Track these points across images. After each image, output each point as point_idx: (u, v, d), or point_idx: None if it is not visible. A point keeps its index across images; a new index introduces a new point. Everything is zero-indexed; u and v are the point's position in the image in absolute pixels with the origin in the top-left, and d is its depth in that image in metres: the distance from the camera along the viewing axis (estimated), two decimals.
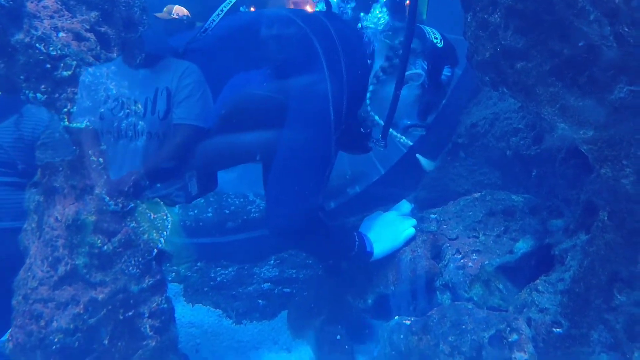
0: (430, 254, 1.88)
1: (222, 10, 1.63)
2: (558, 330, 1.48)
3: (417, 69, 1.78)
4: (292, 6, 2.06)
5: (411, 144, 1.95)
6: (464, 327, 1.53)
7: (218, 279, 2.27)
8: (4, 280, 1.42)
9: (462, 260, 1.82)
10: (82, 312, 0.97)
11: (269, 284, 2.29)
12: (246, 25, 1.69)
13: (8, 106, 1.65)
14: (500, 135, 2.07)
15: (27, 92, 0.92)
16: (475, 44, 1.46)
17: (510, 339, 1.46)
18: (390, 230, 1.89)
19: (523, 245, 1.78)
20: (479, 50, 1.45)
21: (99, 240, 1.01)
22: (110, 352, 0.99)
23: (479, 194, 2.06)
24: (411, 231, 1.87)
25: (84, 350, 0.96)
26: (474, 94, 2.24)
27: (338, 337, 1.94)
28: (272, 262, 2.38)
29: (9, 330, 1.01)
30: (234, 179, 2.53)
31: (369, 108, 1.78)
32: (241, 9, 1.90)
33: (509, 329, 1.47)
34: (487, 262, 1.75)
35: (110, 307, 0.99)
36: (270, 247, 2.43)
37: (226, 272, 2.31)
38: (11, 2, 0.85)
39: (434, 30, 1.85)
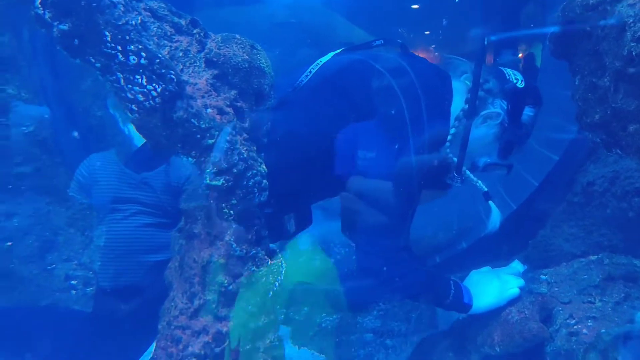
0: (539, 317, 1.80)
1: (310, 72, 1.80)
2: None
3: (496, 108, 1.80)
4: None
5: (485, 189, 1.91)
6: None
7: (323, 324, 2.37)
8: (152, 305, 1.68)
9: (576, 327, 1.72)
10: (210, 341, 1.13)
11: (371, 334, 2.33)
12: (334, 79, 1.79)
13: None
14: (621, 194, 1.96)
15: (182, 156, 1.15)
16: (584, 106, 1.46)
17: None
18: (493, 286, 1.86)
19: None
20: (588, 113, 1.45)
21: (226, 280, 1.18)
22: None
23: (596, 256, 1.95)
24: (515, 291, 1.81)
25: None
26: (591, 152, 2.16)
27: None
28: (375, 312, 2.43)
29: (152, 348, 1.22)
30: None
31: (448, 150, 1.81)
32: None
33: None
34: (604, 330, 1.64)
35: (231, 339, 1.14)
36: (373, 297, 2.47)
37: (331, 319, 2.41)
38: (176, 88, 1.10)
39: (516, 72, 1.86)
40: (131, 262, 1.82)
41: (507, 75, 1.84)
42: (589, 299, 1.79)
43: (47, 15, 0.99)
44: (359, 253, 1.73)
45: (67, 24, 1.01)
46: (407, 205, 1.72)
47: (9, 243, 2.12)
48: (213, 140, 1.14)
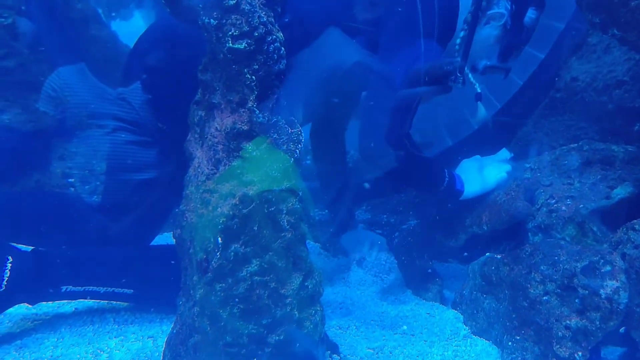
0: (524, 198, 1.95)
1: None
2: None
3: (501, 8, 1.84)
4: None
5: (479, 90, 2.00)
6: (556, 258, 1.60)
7: (317, 217, 2.50)
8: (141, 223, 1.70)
9: (555, 205, 1.88)
10: (238, 203, 1.20)
11: (362, 224, 2.48)
12: None
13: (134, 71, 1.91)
14: (602, 88, 2.07)
15: (203, 18, 1.15)
16: None
17: (603, 270, 1.52)
18: (483, 173, 1.99)
19: (621, 191, 1.81)
20: None
21: (250, 147, 1.23)
22: (258, 237, 1.21)
23: (576, 144, 2.08)
24: (503, 175, 1.95)
25: (240, 233, 1.19)
26: (576, 48, 2.23)
27: (429, 270, 2.09)
28: (365, 207, 2.56)
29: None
30: None
31: (457, 48, 1.85)
32: None
33: (602, 260, 1.52)
34: (582, 205, 1.79)
35: (258, 201, 1.21)
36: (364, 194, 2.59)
37: (323, 212, 2.53)
38: None
39: None
40: (115, 180, 1.81)
41: None
42: (569, 181, 1.95)
43: None
44: (362, 134, 1.80)
45: None
46: (412, 97, 1.77)
47: None
48: (234, 1, 1.14)
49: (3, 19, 2.11)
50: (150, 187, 1.80)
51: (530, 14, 1.92)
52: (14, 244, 1.63)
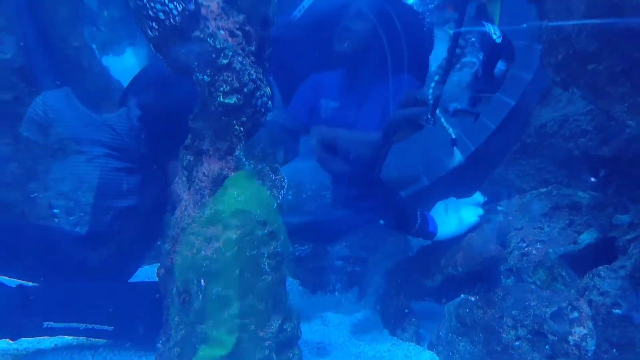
0: (497, 241, 2.04)
1: (303, 7, 1.88)
2: (617, 311, 1.60)
3: (473, 57, 1.96)
4: None
5: (454, 136, 2.09)
6: (527, 303, 1.68)
7: (297, 253, 2.56)
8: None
9: (526, 248, 1.97)
10: (221, 246, 1.26)
11: (340, 261, 2.54)
12: (322, 18, 1.87)
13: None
14: (569, 136, 2.20)
15: (198, 74, 1.23)
16: (549, 47, 1.64)
17: (571, 316, 1.60)
18: (456, 216, 2.07)
19: (587, 237, 1.91)
20: (552, 53, 1.63)
21: (235, 192, 1.30)
22: (240, 280, 1.27)
23: (546, 189, 2.19)
24: (475, 219, 2.04)
25: (223, 275, 1.25)
26: (542, 97, 2.37)
27: (406, 310, 2.15)
28: (344, 242, 2.63)
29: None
30: (311, 167, 2.81)
31: (430, 92, 1.94)
32: None
33: (570, 307, 1.60)
34: (551, 250, 1.89)
35: (240, 245, 1.28)
36: (343, 229, 2.65)
37: (303, 248, 2.59)
38: (193, 7, 1.16)
39: (497, 29, 2.02)
40: (98, 206, 1.84)
41: (487, 28, 1.97)
42: (539, 225, 2.05)
43: None
44: (333, 183, 1.88)
45: None
46: (382, 141, 1.87)
47: None
48: (227, 61, 1.23)
49: (2, 54, 2.17)
50: (132, 214, 1.83)
51: (501, 65, 2.04)
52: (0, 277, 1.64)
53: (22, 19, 2.23)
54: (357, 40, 1.84)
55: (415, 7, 1.96)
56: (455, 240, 2.07)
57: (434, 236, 2.01)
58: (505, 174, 2.43)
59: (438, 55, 1.96)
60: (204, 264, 1.24)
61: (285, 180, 1.36)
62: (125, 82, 2.63)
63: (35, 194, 2.18)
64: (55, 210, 2.24)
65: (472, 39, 1.97)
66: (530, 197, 2.18)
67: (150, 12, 1.14)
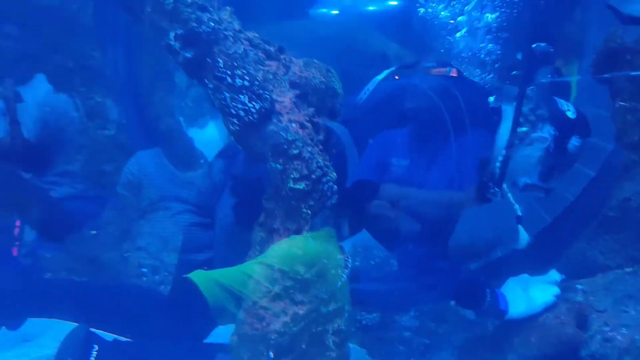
0: (575, 323, 1.92)
1: (368, 89, 2.00)
2: None
3: (544, 133, 1.94)
4: None
5: (520, 214, 2.03)
6: None
7: (364, 321, 2.56)
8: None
9: (610, 333, 1.83)
10: (289, 321, 1.35)
11: (409, 333, 2.51)
12: (391, 97, 1.96)
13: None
14: None
15: (271, 163, 1.38)
16: (623, 128, 1.61)
17: None
18: (530, 294, 2.00)
19: None
20: (627, 133, 1.60)
21: (302, 270, 1.40)
22: (306, 354, 1.34)
23: (631, 268, 2.05)
24: (551, 299, 1.95)
25: (290, 349, 1.33)
26: (625, 169, 2.27)
27: None
28: (413, 313, 2.60)
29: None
30: None
31: (497, 165, 1.94)
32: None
33: None
34: (638, 336, 1.76)
35: (307, 321, 1.35)
36: (411, 300, 2.64)
37: (370, 316, 2.59)
38: (270, 106, 1.33)
39: (569, 104, 1.99)
40: (179, 260, 2.00)
41: (559, 103, 1.97)
42: (624, 308, 1.91)
43: (177, 46, 1.23)
44: (398, 260, 1.91)
45: (191, 53, 1.25)
46: (448, 218, 1.89)
47: (94, 232, 2.39)
48: (297, 151, 1.36)
49: (108, 131, 2.52)
50: (208, 267, 1.96)
51: (575, 141, 2.01)
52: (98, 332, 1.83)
53: (125, 100, 2.59)
54: (422, 118, 1.92)
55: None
56: (530, 319, 1.99)
57: (505, 315, 1.95)
58: (586, 250, 2.31)
59: (506, 130, 1.98)
60: (273, 338, 1.33)
61: (350, 261, 1.44)
62: (207, 151, 2.92)
63: (128, 254, 2.43)
64: (144, 269, 2.47)
65: (543, 113, 1.97)
66: (613, 276, 2.04)
67: (232, 110, 1.32)
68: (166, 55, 1.26)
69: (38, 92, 2.29)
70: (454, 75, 2.10)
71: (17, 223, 2.26)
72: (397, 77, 2.12)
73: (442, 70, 2.13)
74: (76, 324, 1.83)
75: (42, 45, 2.41)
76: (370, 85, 2.00)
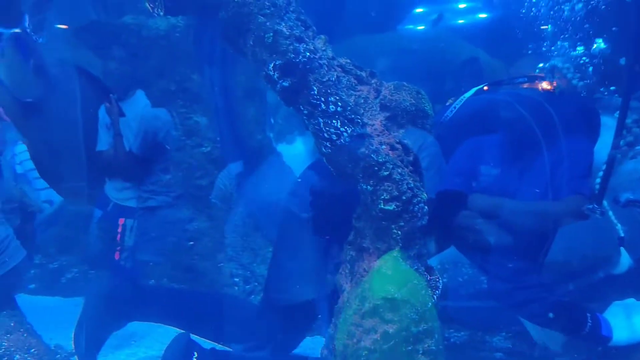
0: None
1: (455, 107, 1.96)
2: None
3: None
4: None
5: (622, 234, 1.89)
6: None
7: (452, 339, 2.51)
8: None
9: None
10: (379, 339, 1.37)
11: (501, 354, 2.42)
12: (478, 112, 1.93)
13: None
14: None
15: (362, 184, 1.41)
16: None
17: None
18: (635, 321, 1.85)
19: None
20: None
21: (393, 289, 1.41)
22: None
23: None
24: None
25: None
26: None
27: None
28: (505, 333, 2.50)
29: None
30: None
31: (597, 181, 1.82)
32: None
33: None
34: None
35: (397, 339, 1.37)
36: (502, 319, 2.54)
37: (459, 334, 2.53)
38: (361, 130, 1.37)
39: None
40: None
41: None
42: None
43: (276, 75, 1.32)
44: (489, 276, 1.85)
45: (288, 82, 1.33)
46: (544, 232, 1.80)
47: (191, 242, 2.59)
48: (388, 172, 1.39)
49: (204, 148, 2.72)
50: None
51: None
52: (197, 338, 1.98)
53: (220, 119, 2.77)
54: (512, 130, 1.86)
55: None
56: (634, 348, 1.85)
57: (608, 341, 1.82)
58: None
59: (606, 143, 1.86)
60: (363, 354, 1.36)
61: (441, 281, 1.44)
62: (295, 166, 3.03)
63: (222, 264, 2.60)
64: (236, 279, 2.63)
65: None
66: None
67: (325, 134, 1.38)
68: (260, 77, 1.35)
69: (137, 106, 2.53)
70: (547, 88, 2.02)
71: (120, 228, 2.50)
72: (485, 88, 2.07)
73: (534, 84, 2.06)
74: (179, 330, 1.98)
75: (149, 70, 2.67)
76: (458, 103, 1.98)
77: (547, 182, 1.77)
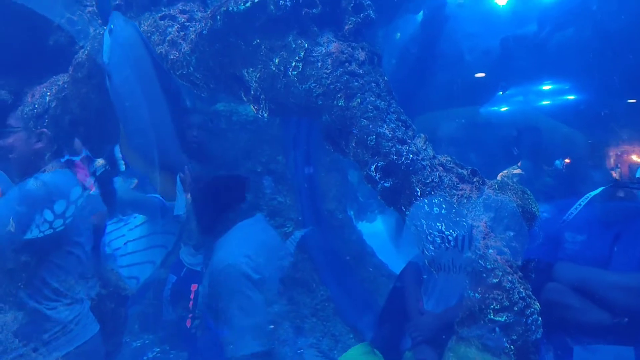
0: None
1: (579, 205, 1.81)
2: None
3: None
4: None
5: None
6: None
7: None
8: None
9: None
10: None
11: None
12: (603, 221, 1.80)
13: None
14: None
15: (469, 291, 1.31)
16: None
17: None
18: None
19: None
20: None
21: None
22: None
23: None
24: None
25: None
26: None
27: None
28: None
29: None
30: None
31: None
32: None
33: None
34: None
35: None
36: None
37: None
38: (466, 233, 1.29)
39: None
40: None
41: None
42: None
43: (377, 176, 1.29)
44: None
45: (389, 182, 1.29)
46: None
47: (272, 326, 2.52)
48: (497, 280, 1.28)
49: (286, 228, 2.73)
50: None
51: None
52: None
53: (303, 199, 2.79)
54: None
55: None
56: None
57: None
58: None
59: None
60: None
61: None
62: (374, 244, 2.96)
63: (302, 350, 2.51)
64: None
65: None
66: None
67: (429, 237, 1.31)
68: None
69: None
70: None
71: (192, 295, 2.46)
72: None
73: None
74: None
75: (237, 152, 2.77)
76: (583, 201, 1.83)
77: None
